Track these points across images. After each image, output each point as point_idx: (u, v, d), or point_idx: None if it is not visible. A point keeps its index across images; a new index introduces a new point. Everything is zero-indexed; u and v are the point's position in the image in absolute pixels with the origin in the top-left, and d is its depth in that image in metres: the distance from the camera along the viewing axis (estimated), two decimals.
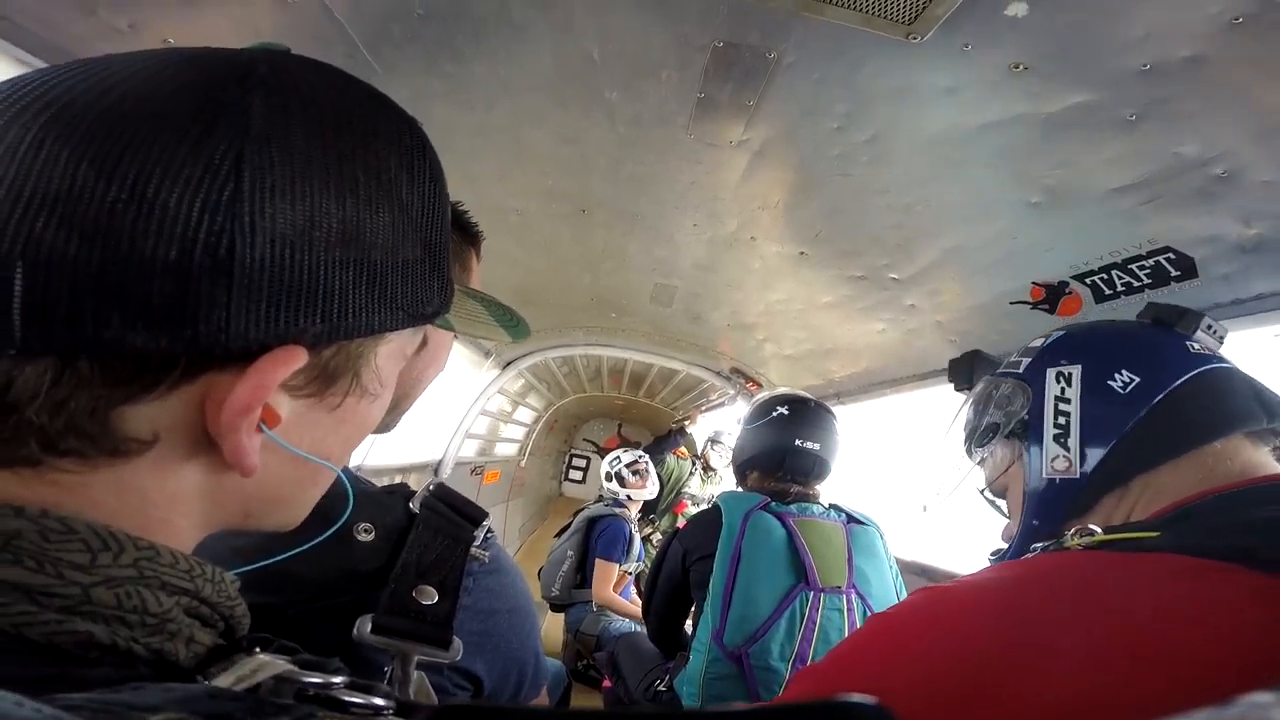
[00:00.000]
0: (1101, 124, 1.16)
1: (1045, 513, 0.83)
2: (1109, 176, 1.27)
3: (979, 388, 0.98)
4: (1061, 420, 0.80)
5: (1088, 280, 1.51)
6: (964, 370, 1.17)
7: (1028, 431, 0.85)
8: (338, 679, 0.36)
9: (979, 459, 0.97)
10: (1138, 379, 0.76)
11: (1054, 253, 1.53)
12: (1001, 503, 0.96)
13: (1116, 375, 0.77)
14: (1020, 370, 0.89)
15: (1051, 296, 1.65)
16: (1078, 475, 0.78)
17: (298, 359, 0.35)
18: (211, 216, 0.31)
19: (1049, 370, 0.84)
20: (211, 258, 0.31)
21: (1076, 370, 0.81)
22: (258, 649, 0.38)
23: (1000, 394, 0.91)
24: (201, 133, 0.32)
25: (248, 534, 0.45)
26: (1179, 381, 0.74)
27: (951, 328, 2.08)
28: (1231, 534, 0.57)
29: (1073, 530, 0.70)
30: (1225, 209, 1.20)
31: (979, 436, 0.93)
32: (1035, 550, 0.75)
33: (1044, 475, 0.82)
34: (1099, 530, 0.68)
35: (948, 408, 2.52)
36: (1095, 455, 0.77)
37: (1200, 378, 0.75)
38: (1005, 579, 0.62)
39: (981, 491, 0.99)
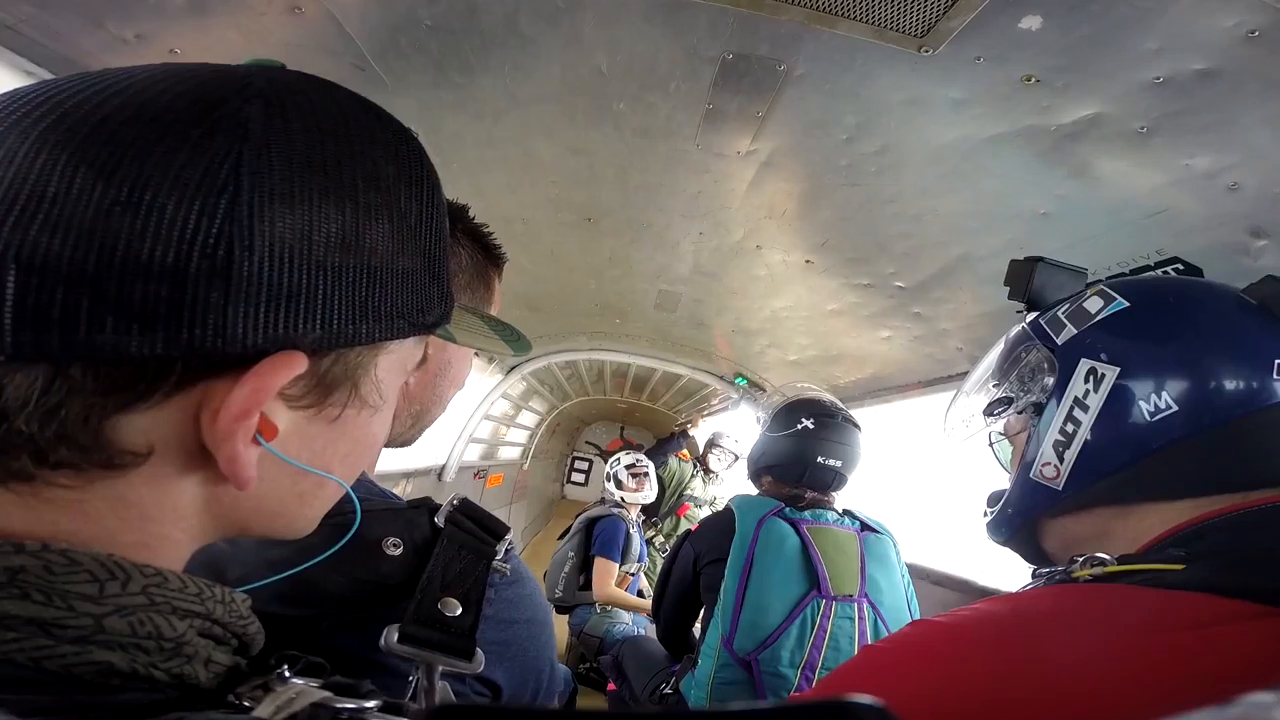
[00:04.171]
0: (1112, 136, 1.15)
1: (1022, 506, 0.78)
2: (1119, 188, 1.26)
3: (1014, 333, 0.86)
4: (1070, 428, 0.71)
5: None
6: (1022, 279, 0.95)
7: (1036, 418, 0.76)
8: (370, 703, 0.37)
9: (989, 414, 0.86)
10: (1174, 409, 0.64)
11: None
12: (1006, 456, 0.89)
13: (1152, 397, 0.65)
14: (1059, 341, 0.76)
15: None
16: (1059, 489, 0.72)
17: (297, 364, 0.35)
18: (210, 220, 0.31)
19: (1084, 360, 0.71)
20: (209, 261, 0.31)
21: (1111, 375, 0.68)
22: (285, 666, 0.39)
23: (1026, 364, 0.80)
24: (200, 138, 0.32)
25: (282, 546, 0.45)
26: (1238, 416, 0.63)
27: (958, 336, 2.08)
28: (1272, 570, 0.52)
29: (1081, 559, 0.64)
30: (1235, 220, 1.20)
31: (990, 405, 0.84)
32: (1040, 577, 0.69)
33: (1032, 472, 0.76)
34: (1110, 560, 0.61)
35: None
36: (1085, 478, 0.71)
37: (1271, 412, 0.62)
38: (1003, 615, 0.58)
39: (990, 444, 0.92)
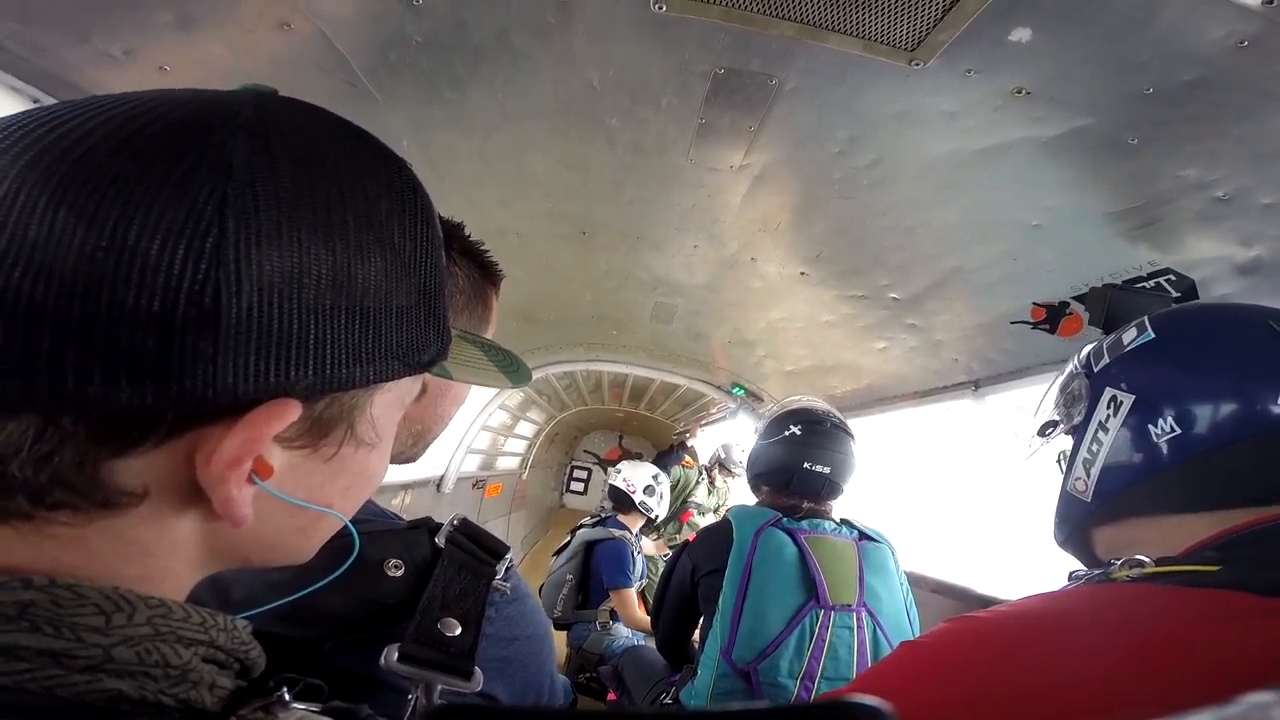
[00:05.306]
0: (1103, 147, 1.16)
1: (1061, 515, 0.85)
2: (1110, 199, 1.27)
3: (1070, 367, 0.91)
4: (1094, 447, 0.79)
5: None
6: (1099, 307, 1.10)
7: (1074, 439, 0.83)
8: None
9: (1040, 435, 0.95)
10: (1178, 432, 0.69)
11: (1055, 274, 1.53)
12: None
13: (1161, 421, 0.71)
14: (1095, 369, 0.83)
15: (1052, 317, 1.65)
16: (1088, 501, 0.79)
17: (290, 412, 0.34)
18: (195, 265, 0.30)
19: (1108, 389, 0.78)
20: (196, 308, 0.30)
21: (1129, 402, 0.75)
22: (285, 689, 0.39)
23: (1069, 391, 0.87)
24: (184, 177, 0.30)
25: (283, 569, 0.45)
26: (1248, 436, 0.66)
27: (952, 347, 2.08)
28: None
29: (1120, 560, 0.67)
30: (1226, 231, 1.20)
31: (1041, 427, 0.93)
32: (1079, 579, 0.72)
33: (1068, 486, 0.83)
34: (1148, 561, 0.64)
35: (947, 425, 2.51)
36: (1105, 492, 0.77)
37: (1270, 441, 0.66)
38: (1045, 612, 0.61)
39: (1057, 460, 0.95)
